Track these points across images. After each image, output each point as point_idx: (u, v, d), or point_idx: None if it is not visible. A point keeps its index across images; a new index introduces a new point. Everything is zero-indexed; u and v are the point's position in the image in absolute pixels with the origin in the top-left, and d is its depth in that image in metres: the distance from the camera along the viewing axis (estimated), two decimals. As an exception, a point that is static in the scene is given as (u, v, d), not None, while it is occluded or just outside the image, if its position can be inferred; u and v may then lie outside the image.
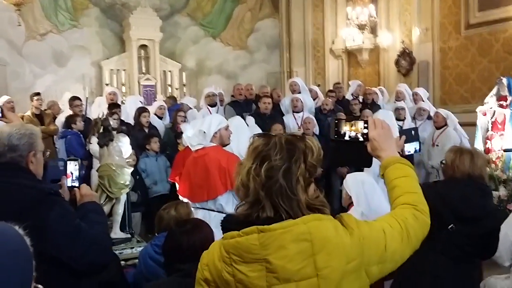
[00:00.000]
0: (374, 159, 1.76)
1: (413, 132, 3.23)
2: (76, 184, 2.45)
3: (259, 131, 6.16)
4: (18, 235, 1.07)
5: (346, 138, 1.72)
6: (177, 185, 5.20)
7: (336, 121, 1.75)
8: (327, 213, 1.43)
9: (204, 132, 4.26)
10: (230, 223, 1.47)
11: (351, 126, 1.72)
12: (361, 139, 1.71)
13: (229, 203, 4.21)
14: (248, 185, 1.41)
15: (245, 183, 1.42)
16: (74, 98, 7.19)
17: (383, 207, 3.43)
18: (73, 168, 2.45)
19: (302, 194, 1.40)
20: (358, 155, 1.74)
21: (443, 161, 3.11)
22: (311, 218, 1.37)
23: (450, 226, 2.75)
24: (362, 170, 3.95)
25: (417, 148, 3.05)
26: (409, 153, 3.00)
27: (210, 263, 1.46)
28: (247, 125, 6.04)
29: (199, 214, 4.24)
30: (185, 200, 4.44)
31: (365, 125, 1.70)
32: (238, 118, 5.54)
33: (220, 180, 4.14)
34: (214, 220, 4.20)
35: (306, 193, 1.41)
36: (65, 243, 2.13)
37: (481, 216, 2.87)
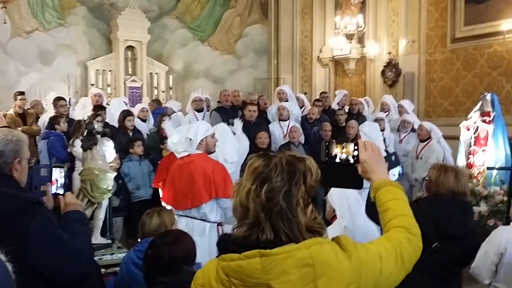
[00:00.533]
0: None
1: (393, 157, 3.29)
2: (61, 191, 2.40)
3: (245, 138, 6.14)
4: (1, 263, 1.04)
5: (337, 160, 1.74)
6: (160, 191, 5.16)
7: (327, 143, 1.76)
8: (325, 235, 1.43)
9: (191, 139, 4.23)
10: (228, 244, 1.43)
11: (342, 149, 1.74)
12: (351, 161, 1.73)
13: (212, 211, 4.20)
14: (248, 206, 1.39)
15: (244, 204, 1.40)
16: (58, 99, 7.09)
17: (367, 222, 3.45)
18: (58, 175, 2.41)
19: (302, 216, 1.40)
20: (349, 177, 1.75)
21: (426, 178, 3.13)
22: (312, 243, 1.36)
23: (434, 245, 2.76)
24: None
25: (400, 171, 3.11)
26: (395, 178, 3.04)
27: (206, 284, 1.44)
28: (234, 131, 6.02)
29: (182, 221, 4.21)
30: (168, 207, 4.42)
31: (356, 147, 1.73)
32: (223, 124, 5.53)
33: (205, 188, 4.12)
34: (197, 229, 4.19)
35: (305, 215, 1.41)
36: (46, 254, 2.10)
37: (464, 234, 2.89)
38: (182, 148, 4.23)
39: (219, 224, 4.27)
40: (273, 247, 1.35)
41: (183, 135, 4.26)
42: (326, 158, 1.75)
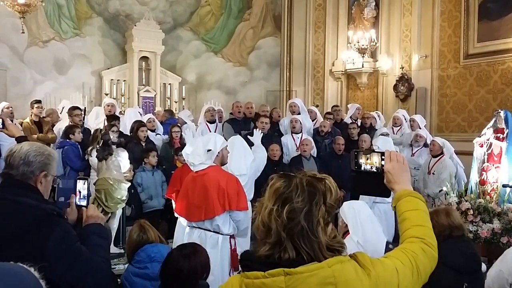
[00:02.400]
0: None
1: None
2: (84, 203, 2.43)
3: (263, 149, 6.11)
4: (35, 278, 1.08)
5: (363, 169, 1.82)
6: (173, 202, 5.19)
7: (356, 153, 1.84)
8: (345, 254, 1.47)
9: (209, 150, 4.23)
10: (251, 262, 1.46)
11: (367, 159, 1.82)
12: (374, 169, 1.80)
13: (225, 224, 4.20)
14: (270, 226, 1.43)
15: (266, 223, 1.44)
16: (74, 108, 7.18)
17: (378, 238, 3.45)
18: (81, 186, 2.44)
19: (322, 235, 1.43)
20: (378, 185, 1.81)
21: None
22: (334, 261, 1.40)
23: (465, 286, 2.83)
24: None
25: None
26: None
27: None
28: (253, 141, 6.02)
29: (194, 233, 4.23)
30: (181, 218, 4.44)
31: (383, 157, 1.79)
32: (239, 137, 5.54)
33: (218, 201, 4.13)
34: (210, 241, 4.20)
35: (326, 234, 1.44)
36: (63, 266, 2.11)
37: (480, 264, 2.96)
38: (200, 161, 4.23)
39: (232, 236, 4.28)
40: (295, 266, 1.38)
41: (200, 147, 4.26)
42: (356, 167, 1.81)
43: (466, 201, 5.71)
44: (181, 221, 4.45)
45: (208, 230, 4.23)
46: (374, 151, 1.85)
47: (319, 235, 1.42)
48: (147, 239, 3.07)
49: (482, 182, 5.94)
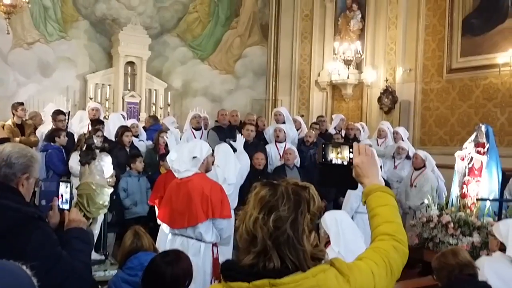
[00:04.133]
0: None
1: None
2: (66, 206, 2.41)
3: (246, 155, 6.12)
4: (28, 275, 1.07)
5: (330, 162, 1.78)
6: (156, 208, 5.16)
7: (324, 146, 1.80)
8: (327, 262, 1.47)
9: (195, 157, 4.22)
10: (234, 272, 1.45)
11: (337, 154, 1.78)
12: (345, 163, 1.77)
13: (208, 231, 4.19)
14: (255, 234, 1.42)
15: (251, 232, 1.43)
16: (58, 113, 7.09)
17: (360, 248, 3.47)
18: (64, 190, 2.43)
19: (307, 244, 1.43)
20: (345, 178, 1.79)
21: (434, 276, 3.24)
22: (318, 271, 1.41)
23: None
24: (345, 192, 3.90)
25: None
26: None
27: None
28: (235, 146, 6.03)
29: (177, 240, 4.21)
30: (164, 225, 4.42)
31: (351, 150, 1.77)
32: (225, 144, 5.55)
33: (202, 208, 4.11)
34: (192, 248, 4.18)
35: (309, 242, 1.45)
36: (42, 270, 2.09)
37: None
38: (185, 168, 4.21)
39: (214, 245, 4.27)
40: (280, 275, 1.38)
41: (185, 154, 4.25)
42: (323, 160, 1.78)
43: (447, 214, 5.79)
44: (164, 228, 4.42)
45: (191, 238, 4.21)
46: (342, 143, 1.82)
47: (304, 244, 1.42)
48: (141, 246, 3.05)
49: (462, 196, 6.04)
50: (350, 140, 8.43)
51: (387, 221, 1.65)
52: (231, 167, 5.17)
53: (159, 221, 4.93)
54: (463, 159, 6.22)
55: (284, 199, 1.44)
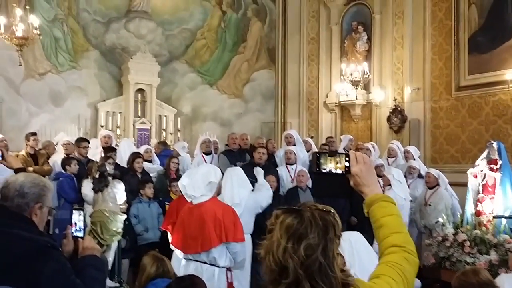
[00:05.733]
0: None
1: None
2: (80, 234, 2.42)
3: (268, 186, 6.03)
4: None
5: (325, 171, 1.73)
6: (168, 234, 5.15)
7: (318, 155, 1.76)
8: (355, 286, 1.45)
9: (210, 182, 4.20)
10: None
11: (331, 162, 1.73)
12: (339, 172, 1.72)
13: (222, 256, 4.16)
14: (285, 265, 1.38)
15: (281, 263, 1.39)
16: (82, 140, 7.28)
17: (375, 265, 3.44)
18: (77, 217, 2.45)
19: (338, 270, 1.41)
20: (340, 187, 1.77)
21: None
22: None
23: None
24: (344, 201, 3.92)
25: None
26: None
27: None
28: (256, 177, 6.01)
29: (191, 266, 4.18)
30: (178, 251, 4.40)
31: (347, 158, 1.72)
32: (239, 169, 5.53)
33: (215, 232, 4.09)
34: (206, 273, 4.14)
35: (339, 268, 1.43)
36: None
37: None
38: (200, 193, 4.19)
39: (228, 269, 4.24)
40: None
41: (199, 179, 4.22)
42: (317, 169, 1.73)
43: (463, 232, 5.73)
44: (177, 253, 4.41)
45: (204, 263, 4.19)
46: (338, 153, 1.78)
47: (336, 270, 1.40)
48: (168, 271, 3.04)
49: (477, 213, 5.98)
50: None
51: (395, 232, 1.64)
52: (236, 187, 5.13)
53: (172, 247, 4.93)
54: (476, 177, 6.17)
55: (312, 226, 1.41)
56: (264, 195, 5.61)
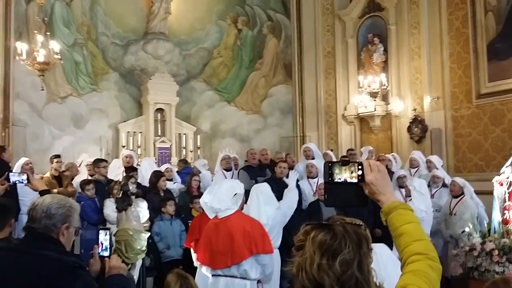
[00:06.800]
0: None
1: None
2: (106, 253, 2.45)
3: (296, 192, 6.00)
4: None
5: (338, 180, 1.70)
6: (192, 251, 5.15)
7: (330, 165, 1.73)
8: None
9: (236, 194, 4.22)
10: None
11: (347, 172, 1.71)
12: (354, 180, 1.70)
13: (253, 268, 4.15)
14: (320, 282, 1.37)
15: (315, 280, 1.37)
16: (100, 160, 7.40)
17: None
18: (103, 237, 2.48)
19: (373, 285, 1.41)
20: (354, 196, 1.73)
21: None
22: None
23: None
24: (352, 210, 3.89)
25: None
26: None
27: None
28: (288, 182, 5.98)
29: (221, 282, 4.15)
30: (204, 268, 4.39)
31: (360, 167, 1.70)
32: (266, 185, 5.48)
33: (244, 245, 4.08)
34: (238, 287, 4.12)
35: (374, 282, 1.41)
36: None
37: None
38: (226, 206, 4.21)
39: (259, 281, 4.22)
40: None
41: (224, 193, 4.22)
42: (329, 179, 1.71)
43: (490, 241, 5.61)
44: (204, 270, 4.40)
45: (235, 277, 4.14)
46: (350, 161, 1.74)
47: (371, 285, 1.39)
48: None
49: (505, 221, 5.85)
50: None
51: (416, 240, 1.61)
52: (271, 206, 5.09)
53: (196, 263, 4.92)
54: (502, 184, 6.05)
55: (347, 240, 1.39)
56: (290, 201, 5.56)
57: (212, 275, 4.22)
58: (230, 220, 4.17)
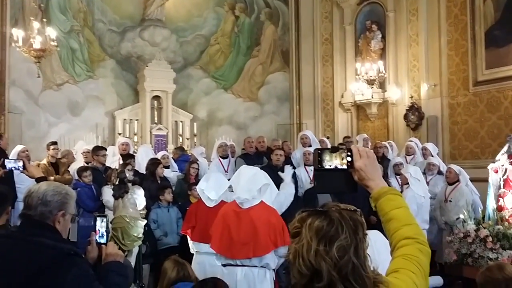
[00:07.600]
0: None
1: None
2: (103, 240, 2.46)
3: (292, 187, 5.82)
4: None
5: (328, 167, 1.71)
6: (188, 237, 5.16)
7: (319, 151, 1.73)
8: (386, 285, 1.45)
9: (264, 184, 4.15)
10: None
11: (338, 158, 1.71)
12: (344, 167, 1.70)
13: (273, 259, 4.13)
14: (317, 268, 1.37)
15: (313, 266, 1.38)
16: (99, 148, 7.39)
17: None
18: (100, 224, 2.48)
19: (369, 270, 1.41)
20: (344, 182, 1.73)
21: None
22: None
23: None
24: (348, 196, 3.90)
25: None
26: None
27: None
28: (283, 177, 5.92)
29: (238, 272, 4.07)
30: (211, 257, 4.35)
31: (349, 153, 1.70)
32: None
33: (269, 238, 4.03)
34: (258, 277, 4.06)
35: (370, 268, 1.42)
36: None
37: None
38: (253, 196, 4.09)
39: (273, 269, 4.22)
40: None
41: (246, 183, 4.12)
42: (319, 166, 1.71)
43: (485, 228, 5.65)
44: (211, 260, 4.36)
45: (255, 266, 4.10)
46: (339, 148, 1.74)
47: (368, 270, 1.40)
48: (188, 276, 3.06)
49: (499, 208, 5.89)
50: (378, 159, 8.35)
51: (406, 224, 1.64)
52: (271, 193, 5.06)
53: (192, 250, 4.94)
54: (497, 172, 6.08)
55: (343, 226, 1.40)
56: (287, 194, 5.56)
57: (224, 265, 4.13)
58: (254, 210, 4.07)
